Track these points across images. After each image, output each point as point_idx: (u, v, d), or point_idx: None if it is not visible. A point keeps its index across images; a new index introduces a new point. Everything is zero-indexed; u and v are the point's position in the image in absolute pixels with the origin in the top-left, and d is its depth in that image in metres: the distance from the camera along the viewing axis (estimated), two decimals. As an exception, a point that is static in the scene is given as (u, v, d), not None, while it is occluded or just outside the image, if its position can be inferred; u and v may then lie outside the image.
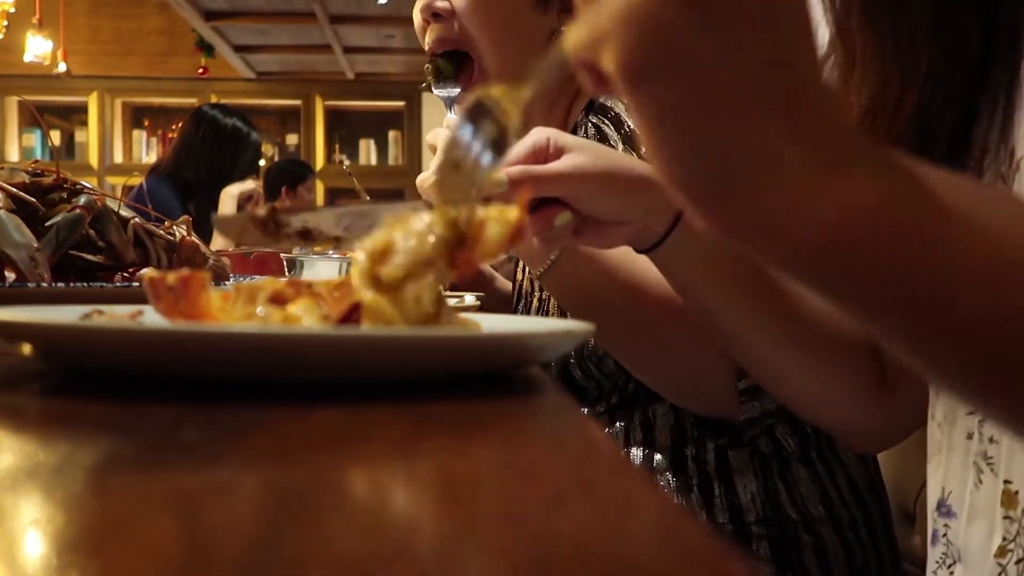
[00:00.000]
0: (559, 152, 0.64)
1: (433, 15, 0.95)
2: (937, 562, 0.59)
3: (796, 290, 0.69)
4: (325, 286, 0.44)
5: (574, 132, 0.94)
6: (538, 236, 0.69)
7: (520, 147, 0.64)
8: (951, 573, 0.57)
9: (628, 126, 0.86)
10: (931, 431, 0.61)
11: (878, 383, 0.70)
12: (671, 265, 0.69)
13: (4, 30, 4.70)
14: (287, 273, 1.09)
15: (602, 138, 0.88)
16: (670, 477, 0.84)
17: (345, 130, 6.39)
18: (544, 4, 0.94)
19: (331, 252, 1.16)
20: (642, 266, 0.77)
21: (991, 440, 0.54)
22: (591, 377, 0.89)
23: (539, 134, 0.65)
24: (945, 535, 0.58)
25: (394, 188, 6.12)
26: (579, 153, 0.64)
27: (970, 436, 0.56)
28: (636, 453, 0.86)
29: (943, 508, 0.58)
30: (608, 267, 0.77)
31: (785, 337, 0.69)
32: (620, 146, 0.85)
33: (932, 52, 0.52)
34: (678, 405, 0.84)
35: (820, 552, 0.82)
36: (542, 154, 0.64)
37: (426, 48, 0.98)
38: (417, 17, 0.99)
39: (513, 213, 0.44)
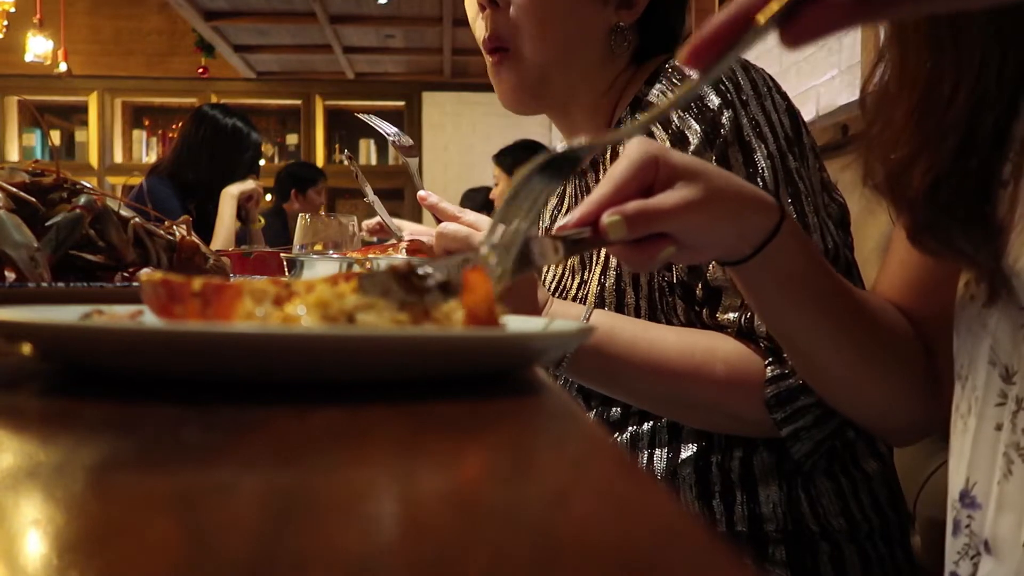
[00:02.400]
0: (669, 175, 0.59)
1: (490, 1, 0.90)
2: (959, 553, 0.59)
3: (864, 301, 0.70)
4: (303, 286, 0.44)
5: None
6: (640, 269, 0.68)
7: (626, 171, 0.59)
8: (975, 564, 0.57)
9: (676, 125, 0.83)
10: (954, 422, 0.61)
11: (930, 384, 0.71)
12: (750, 280, 0.67)
13: (4, 30, 4.70)
14: (287, 273, 1.09)
15: (648, 136, 0.84)
16: (693, 482, 0.84)
17: (345, 130, 6.39)
18: None
19: (331, 252, 1.16)
20: (658, 341, 0.80)
21: None
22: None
23: (644, 155, 0.59)
24: (968, 526, 0.58)
25: (394, 188, 6.12)
26: (691, 184, 0.59)
27: (999, 427, 0.56)
28: (660, 454, 0.86)
29: (967, 499, 0.58)
30: (623, 353, 0.79)
31: (853, 347, 0.70)
32: (667, 145, 0.82)
33: (987, 46, 0.52)
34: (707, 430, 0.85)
35: (837, 560, 0.81)
36: (649, 175, 0.59)
37: (480, 42, 0.93)
38: (471, 7, 0.94)
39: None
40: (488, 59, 0.93)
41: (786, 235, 0.64)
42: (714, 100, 0.81)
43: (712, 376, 0.78)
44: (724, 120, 0.80)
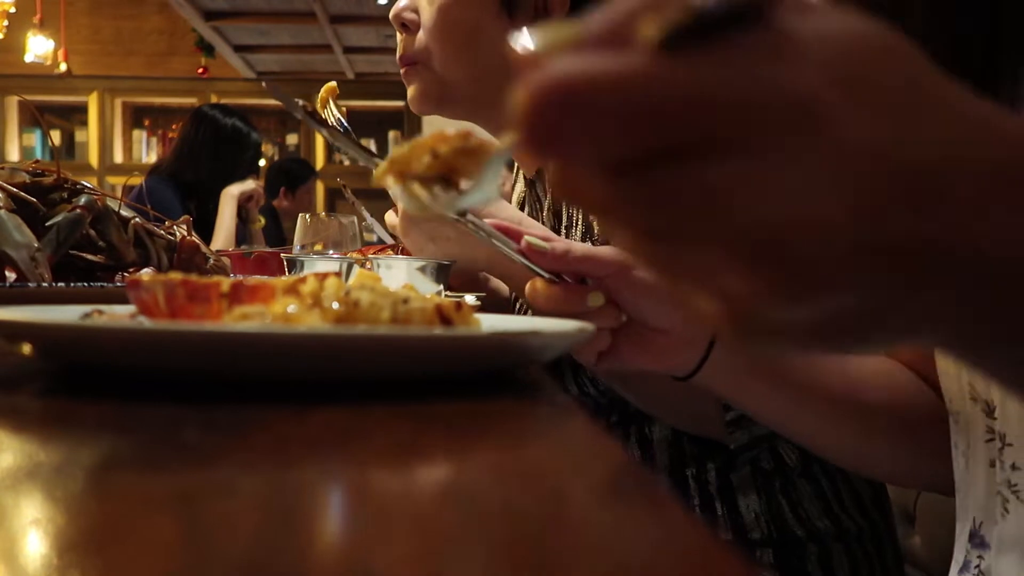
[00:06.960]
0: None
1: (402, 26, 0.94)
2: None
3: (851, 377, 0.63)
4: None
5: None
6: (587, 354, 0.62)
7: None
8: None
9: None
10: (956, 460, 0.59)
11: (941, 439, 0.62)
12: (715, 385, 0.62)
13: (5, 30, 4.69)
14: (287, 272, 1.09)
15: None
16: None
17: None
18: (509, 11, 0.89)
19: (331, 252, 1.16)
20: None
21: (1013, 467, 0.52)
22: (587, 394, 0.87)
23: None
24: (978, 567, 0.56)
25: (385, 189, 6.12)
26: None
27: (992, 464, 0.54)
28: None
29: (976, 539, 0.56)
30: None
31: (850, 423, 0.63)
32: None
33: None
34: (668, 424, 0.83)
35: (824, 562, 0.81)
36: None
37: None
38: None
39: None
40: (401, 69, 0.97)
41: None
42: None
43: None
44: None
